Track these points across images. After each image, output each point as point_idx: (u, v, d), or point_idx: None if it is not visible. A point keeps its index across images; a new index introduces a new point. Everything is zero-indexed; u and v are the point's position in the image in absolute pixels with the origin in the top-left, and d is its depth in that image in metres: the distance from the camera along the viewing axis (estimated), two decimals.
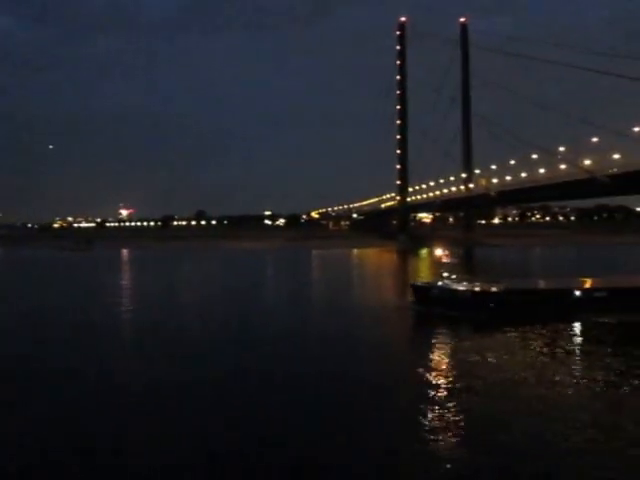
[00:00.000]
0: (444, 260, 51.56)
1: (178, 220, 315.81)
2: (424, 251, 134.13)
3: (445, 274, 47.67)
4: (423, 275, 72.78)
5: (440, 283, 46.90)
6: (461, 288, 45.13)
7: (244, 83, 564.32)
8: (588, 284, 47.03)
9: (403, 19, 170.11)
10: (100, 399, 24.01)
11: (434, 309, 44.11)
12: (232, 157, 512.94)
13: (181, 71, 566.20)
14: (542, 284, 50.80)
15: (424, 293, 46.73)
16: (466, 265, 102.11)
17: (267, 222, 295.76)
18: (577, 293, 44.02)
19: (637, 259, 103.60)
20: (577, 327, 38.82)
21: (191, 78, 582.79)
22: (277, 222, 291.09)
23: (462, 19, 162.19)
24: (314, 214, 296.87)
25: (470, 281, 47.29)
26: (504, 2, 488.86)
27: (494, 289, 45.00)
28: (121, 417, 21.78)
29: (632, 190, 75.09)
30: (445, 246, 59.15)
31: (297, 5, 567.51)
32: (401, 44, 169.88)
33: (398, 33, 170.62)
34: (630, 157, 71.22)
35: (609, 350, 31.47)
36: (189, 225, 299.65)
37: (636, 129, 71.84)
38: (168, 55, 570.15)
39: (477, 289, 45.09)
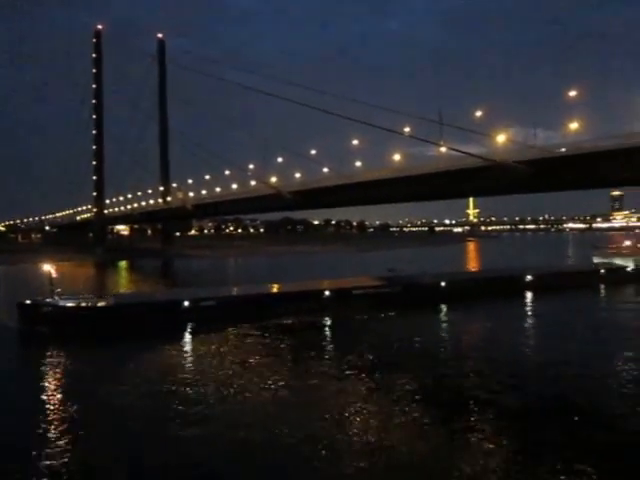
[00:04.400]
0: (54, 275, 46.39)
1: None
2: (122, 263, 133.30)
3: (58, 290, 44.21)
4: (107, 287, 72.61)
5: (49, 300, 43.20)
6: (70, 304, 42.88)
7: None
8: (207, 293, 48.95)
9: (100, 27, 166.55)
10: None
11: (43, 328, 40.28)
12: None
13: None
14: (155, 296, 51.07)
15: (32, 311, 42.55)
16: (164, 276, 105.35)
17: None
18: (186, 304, 44.90)
19: (309, 263, 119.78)
20: (182, 338, 39.42)
21: None
22: None
23: (159, 35, 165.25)
24: None
25: (80, 297, 45.48)
26: (203, 25, 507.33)
27: (102, 304, 44.21)
28: None
29: (309, 205, 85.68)
30: (53, 261, 52.19)
31: None
32: (97, 52, 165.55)
33: (94, 41, 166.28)
34: (308, 176, 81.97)
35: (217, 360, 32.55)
36: None
37: (313, 151, 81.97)
38: None
39: (84, 305, 43.42)
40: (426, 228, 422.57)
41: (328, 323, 44.71)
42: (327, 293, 50.33)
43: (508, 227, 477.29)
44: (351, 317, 45.81)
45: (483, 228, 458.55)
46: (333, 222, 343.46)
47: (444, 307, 51.11)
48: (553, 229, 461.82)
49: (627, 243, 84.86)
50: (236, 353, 34.36)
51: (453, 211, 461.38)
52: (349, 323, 44.51)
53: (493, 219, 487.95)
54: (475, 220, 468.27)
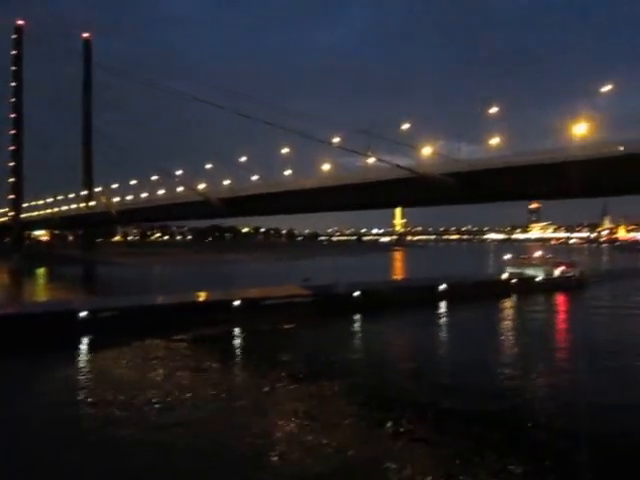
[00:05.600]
0: None
1: None
2: (41, 270, 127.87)
3: None
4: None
5: None
6: None
7: None
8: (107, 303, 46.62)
9: (21, 22, 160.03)
10: None
11: None
12: None
13: None
14: (48, 305, 48.45)
15: None
16: (84, 284, 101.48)
17: None
18: (83, 314, 41.90)
19: (235, 272, 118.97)
20: (73, 353, 35.88)
21: None
22: None
23: (85, 34, 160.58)
24: None
25: None
26: (135, 27, 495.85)
27: None
28: None
29: (238, 212, 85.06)
30: None
31: None
32: (18, 49, 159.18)
33: (15, 37, 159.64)
34: (237, 183, 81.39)
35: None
36: None
37: (242, 159, 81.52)
38: None
39: None
40: (354, 237, 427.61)
41: (236, 334, 43.16)
42: (236, 303, 48.76)
43: (433, 237, 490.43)
44: (260, 328, 44.50)
45: (409, 238, 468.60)
46: (262, 230, 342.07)
47: (357, 317, 50.83)
48: (475, 239, 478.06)
49: (538, 254, 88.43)
50: (132, 369, 32.05)
51: (381, 221, 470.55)
52: (257, 335, 43.09)
53: (419, 229, 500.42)
54: (402, 230, 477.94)
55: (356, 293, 56.11)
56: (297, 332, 44.85)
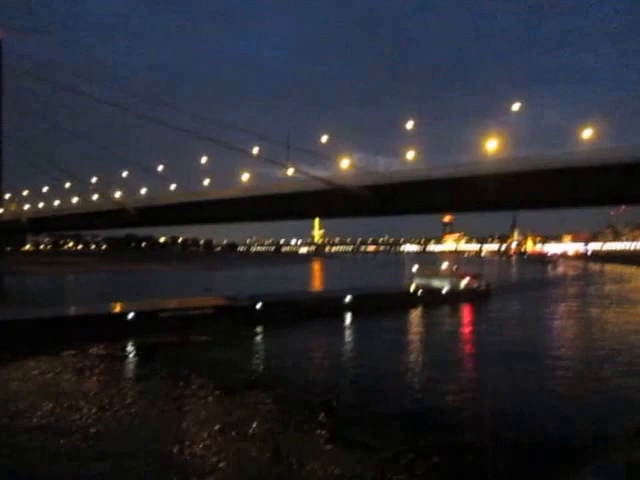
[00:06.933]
0: None
1: None
2: None
3: None
4: None
5: None
6: None
7: None
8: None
9: None
10: None
11: None
12: None
13: None
14: None
15: None
16: None
17: None
18: None
19: (149, 282, 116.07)
20: None
21: None
22: None
23: None
24: None
25: None
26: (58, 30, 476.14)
27: None
28: None
29: (155, 222, 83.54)
30: None
31: None
32: None
33: None
34: (154, 192, 79.98)
35: None
36: None
37: (160, 167, 79.97)
38: None
39: None
40: (273, 248, 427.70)
41: (128, 350, 40.72)
42: (130, 316, 47.09)
43: (351, 248, 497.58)
44: (155, 343, 42.56)
45: (328, 249, 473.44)
46: (180, 240, 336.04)
47: (259, 329, 49.97)
48: (392, 250, 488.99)
49: (444, 265, 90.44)
50: (17, 392, 29.45)
51: (300, 232, 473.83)
52: (152, 350, 40.70)
53: (337, 240, 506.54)
54: (320, 241, 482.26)
55: (258, 305, 55.06)
56: (191, 346, 42.88)
